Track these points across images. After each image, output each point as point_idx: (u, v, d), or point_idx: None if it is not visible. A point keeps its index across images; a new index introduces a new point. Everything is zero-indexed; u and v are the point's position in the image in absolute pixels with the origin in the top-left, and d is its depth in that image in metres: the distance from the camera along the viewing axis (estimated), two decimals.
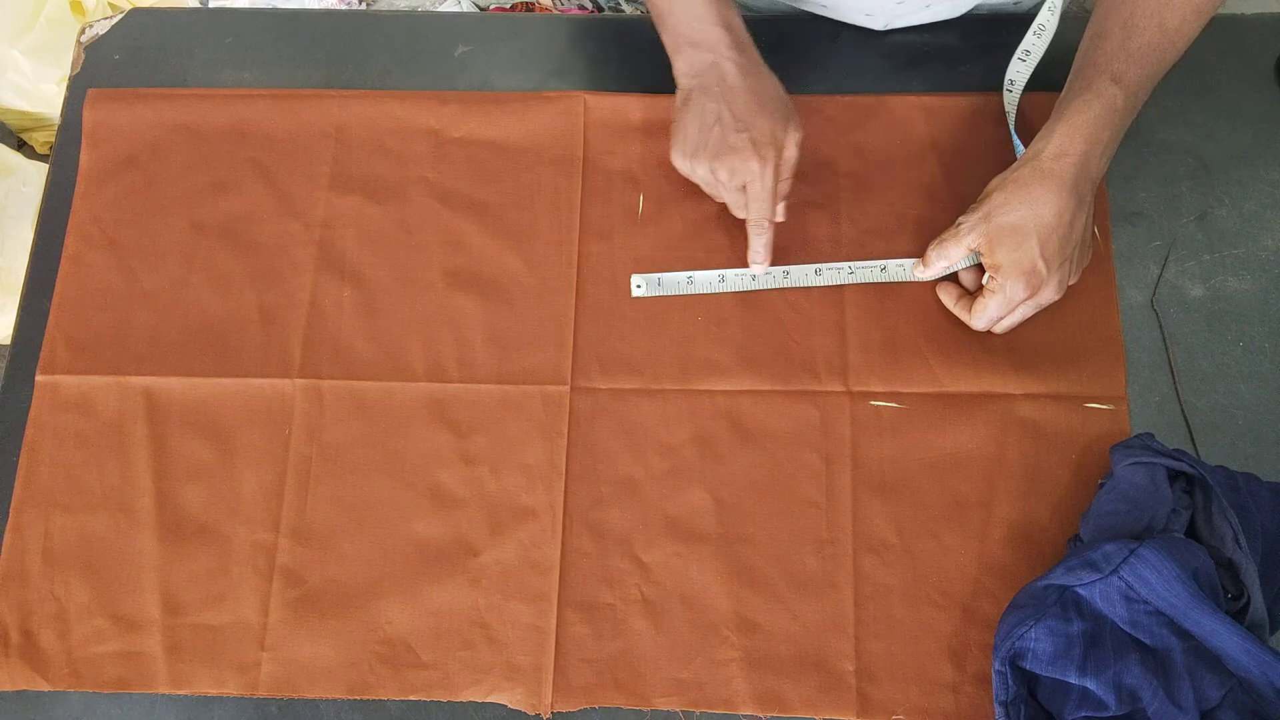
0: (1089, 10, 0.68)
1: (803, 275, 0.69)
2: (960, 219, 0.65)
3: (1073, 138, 0.61)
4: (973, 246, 0.64)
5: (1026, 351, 0.68)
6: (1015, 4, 0.79)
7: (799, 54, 0.77)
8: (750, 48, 0.66)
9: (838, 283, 0.69)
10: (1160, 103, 0.73)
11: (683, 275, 0.70)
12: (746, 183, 0.65)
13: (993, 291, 0.64)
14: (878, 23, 0.76)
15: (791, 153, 0.65)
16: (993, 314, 0.65)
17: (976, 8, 0.77)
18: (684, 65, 0.66)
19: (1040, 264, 0.61)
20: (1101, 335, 0.68)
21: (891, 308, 0.69)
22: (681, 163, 0.67)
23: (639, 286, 0.70)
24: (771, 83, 0.66)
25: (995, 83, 0.73)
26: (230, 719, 0.64)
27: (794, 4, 0.79)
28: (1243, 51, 0.75)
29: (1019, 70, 0.71)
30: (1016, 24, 0.72)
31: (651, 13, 0.68)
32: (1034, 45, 0.70)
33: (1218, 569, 0.57)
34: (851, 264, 0.69)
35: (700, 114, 0.64)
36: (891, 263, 0.69)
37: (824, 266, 0.69)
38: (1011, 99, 0.72)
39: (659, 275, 0.70)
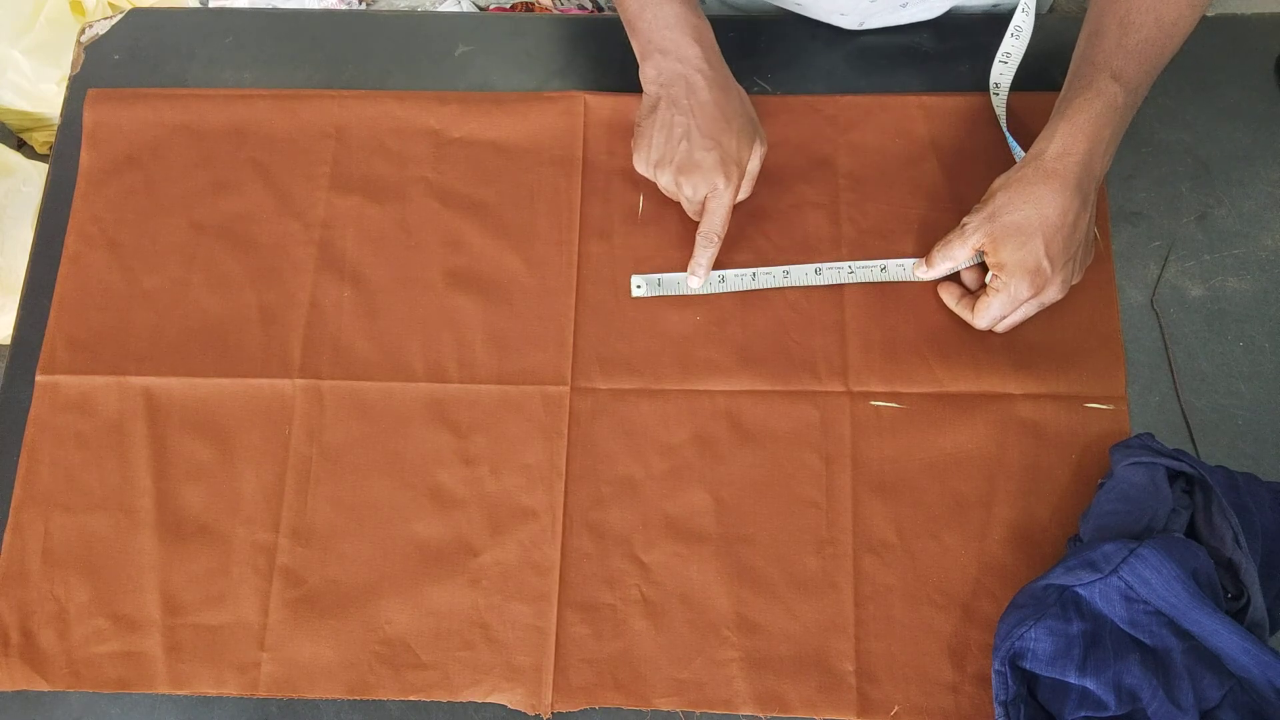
0: (1084, 8, 0.68)
1: (803, 275, 0.69)
2: (965, 219, 0.65)
3: (1075, 137, 0.61)
4: (978, 246, 0.64)
5: (1026, 351, 0.68)
6: (994, 6, 0.79)
7: (787, 56, 0.77)
8: (720, 62, 0.66)
9: (838, 282, 0.69)
10: (1160, 103, 0.73)
11: (682, 275, 0.70)
12: (708, 197, 0.65)
13: (997, 290, 0.64)
14: (851, 22, 0.75)
15: (755, 166, 0.66)
16: (996, 313, 0.65)
17: (956, 9, 0.77)
18: (652, 72, 0.66)
19: (1045, 263, 0.62)
20: (1101, 335, 0.68)
21: (891, 308, 0.69)
22: (645, 169, 0.67)
23: (639, 287, 0.70)
24: (739, 99, 0.66)
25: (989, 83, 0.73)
26: (230, 719, 0.64)
27: (769, 0, 0.79)
28: (1243, 51, 0.75)
29: (1002, 73, 0.72)
30: (1002, 25, 0.72)
31: (621, 16, 0.67)
32: (1013, 47, 0.70)
33: (1218, 569, 0.57)
34: (851, 264, 0.69)
35: (669, 126, 0.65)
36: (891, 263, 0.69)
37: (824, 266, 0.69)
38: (999, 101, 0.72)
39: (659, 276, 0.70)
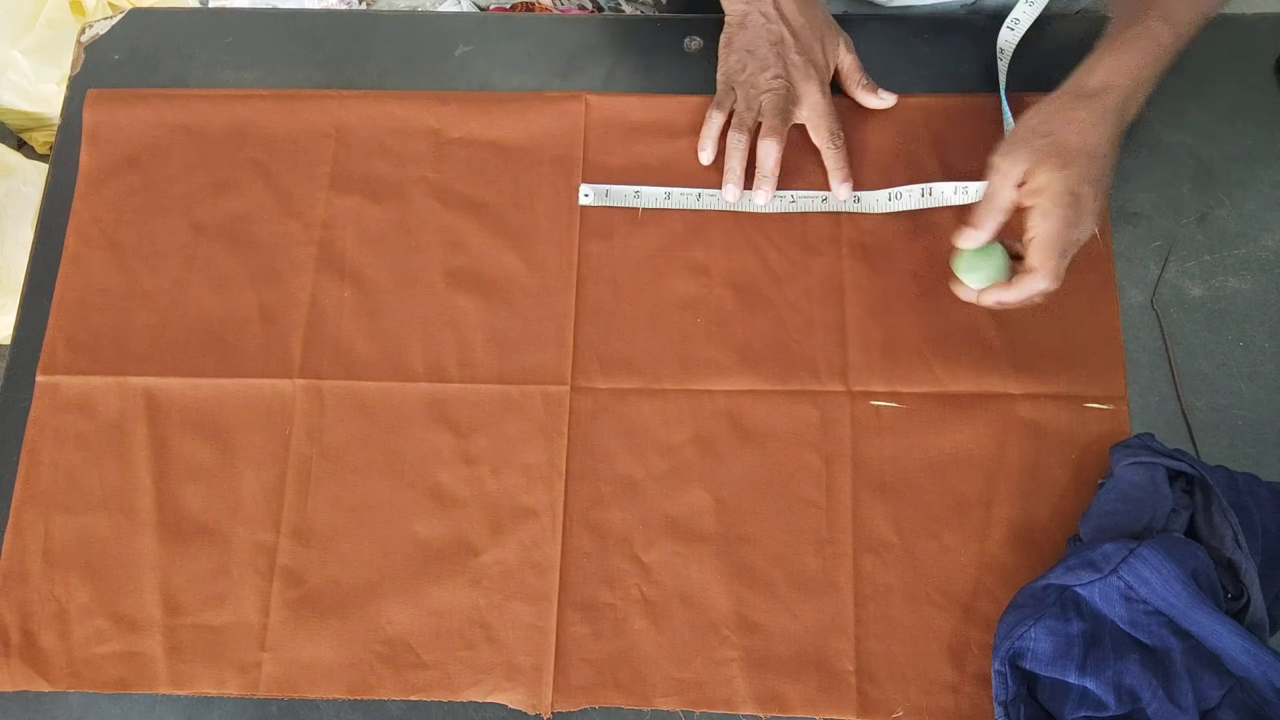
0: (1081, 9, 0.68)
1: (809, 202, 0.71)
2: (992, 160, 0.60)
3: (1119, 72, 0.59)
4: (1020, 178, 0.58)
5: (1026, 351, 0.68)
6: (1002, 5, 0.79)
7: None
8: None
9: (839, 210, 0.71)
10: (1160, 103, 0.73)
11: (630, 189, 0.72)
12: (807, 105, 0.69)
13: (1044, 214, 0.56)
14: None
15: (849, 60, 0.71)
16: (1055, 243, 0.57)
17: (959, 5, 0.77)
18: None
19: (1086, 188, 0.57)
20: (1101, 335, 0.68)
21: (892, 307, 0.69)
22: (735, 75, 0.70)
23: (586, 195, 0.72)
24: (822, 12, 0.72)
25: (995, 84, 0.73)
26: (230, 719, 0.64)
27: None
28: (1243, 51, 0.75)
29: (1007, 39, 0.73)
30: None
31: None
32: (1023, 14, 0.71)
33: (1218, 569, 0.57)
34: (859, 193, 0.71)
35: (764, 34, 0.69)
36: (905, 189, 0.70)
37: (863, 194, 0.71)
38: (1002, 66, 0.73)
39: (607, 186, 0.72)
